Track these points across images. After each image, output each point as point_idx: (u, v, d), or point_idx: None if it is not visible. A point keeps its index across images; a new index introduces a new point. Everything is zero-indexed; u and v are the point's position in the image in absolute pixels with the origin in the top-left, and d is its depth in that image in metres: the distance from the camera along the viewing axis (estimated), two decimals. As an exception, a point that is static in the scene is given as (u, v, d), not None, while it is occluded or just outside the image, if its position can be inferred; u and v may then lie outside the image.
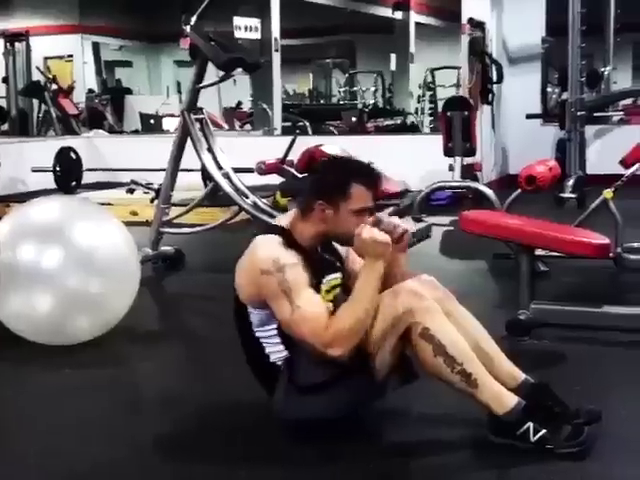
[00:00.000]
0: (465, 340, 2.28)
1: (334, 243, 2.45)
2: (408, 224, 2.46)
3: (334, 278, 2.42)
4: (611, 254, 3.94)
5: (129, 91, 14.34)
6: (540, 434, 2.19)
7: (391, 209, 5.51)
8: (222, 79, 5.00)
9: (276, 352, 2.35)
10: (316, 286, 2.32)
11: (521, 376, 2.36)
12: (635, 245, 4.57)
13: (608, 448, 2.26)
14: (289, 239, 2.32)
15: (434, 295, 2.34)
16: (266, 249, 2.29)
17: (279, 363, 2.34)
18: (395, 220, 2.39)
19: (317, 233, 2.35)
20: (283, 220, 2.41)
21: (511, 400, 2.23)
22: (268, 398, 2.39)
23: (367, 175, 2.37)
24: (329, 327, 2.21)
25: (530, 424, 2.20)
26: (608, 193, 4.26)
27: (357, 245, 2.28)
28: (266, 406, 2.40)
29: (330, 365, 2.24)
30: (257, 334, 2.36)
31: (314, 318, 2.22)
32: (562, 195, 6.83)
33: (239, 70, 4.98)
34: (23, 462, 2.33)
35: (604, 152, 7.95)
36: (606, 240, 3.29)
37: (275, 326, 2.32)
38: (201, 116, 4.80)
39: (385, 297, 2.29)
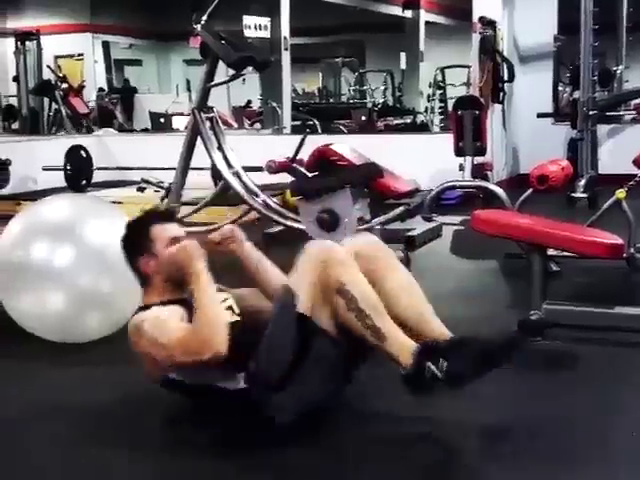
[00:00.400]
0: (399, 299, 2.42)
1: None
2: (229, 226, 2.66)
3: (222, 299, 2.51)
4: (624, 254, 3.91)
5: (135, 90, 14.35)
6: (444, 365, 2.24)
7: (400, 209, 5.48)
8: (233, 78, 5.01)
9: (224, 380, 2.36)
10: None
11: (449, 334, 2.43)
12: (648, 245, 4.54)
13: (621, 450, 2.25)
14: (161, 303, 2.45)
15: (373, 253, 2.49)
16: (143, 319, 2.41)
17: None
18: (220, 231, 2.61)
19: (164, 285, 2.49)
20: (150, 299, 2.53)
21: (413, 346, 2.30)
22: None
23: (157, 214, 2.62)
24: (190, 335, 2.28)
25: (429, 363, 2.25)
26: (621, 193, 4.23)
27: (172, 264, 2.44)
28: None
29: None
30: (194, 382, 2.41)
31: (174, 337, 2.30)
32: (574, 195, 6.81)
33: (249, 69, 4.98)
34: (26, 461, 2.33)
35: (616, 152, 7.92)
36: (619, 240, 3.27)
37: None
38: (211, 114, 4.81)
39: (299, 265, 2.42)
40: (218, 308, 2.35)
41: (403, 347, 2.30)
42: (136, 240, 2.54)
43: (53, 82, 11.00)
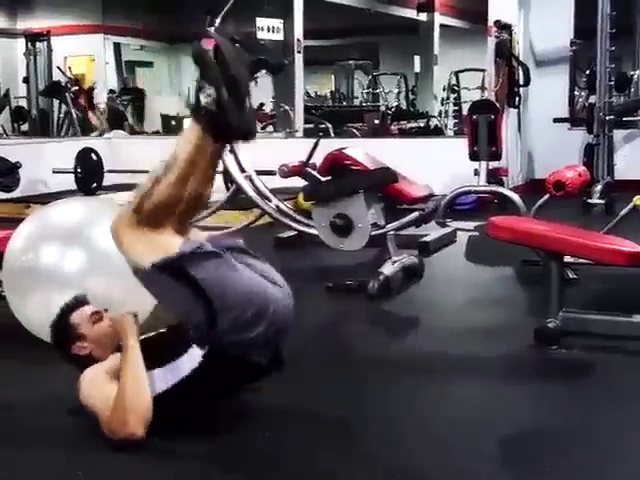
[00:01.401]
0: None
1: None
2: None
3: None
4: (642, 262, 3.88)
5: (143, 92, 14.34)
6: None
7: (414, 214, 5.47)
8: (246, 80, 4.99)
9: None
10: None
11: None
12: (666, 253, 4.50)
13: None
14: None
15: None
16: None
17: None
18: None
19: (106, 354, 2.54)
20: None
21: None
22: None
23: (70, 305, 2.66)
24: (110, 415, 2.33)
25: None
26: (638, 199, 4.21)
27: (111, 331, 2.54)
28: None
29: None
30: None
31: (102, 416, 2.36)
32: (590, 201, 6.78)
33: (263, 71, 4.97)
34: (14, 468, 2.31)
35: (633, 157, 7.90)
36: (637, 248, 3.25)
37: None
38: (224, 118, 4.80)
39: None
40: (140, 389, 2.36)
41: None
42: (63, 335, 2.61)
43: (63, 84, 11.03)
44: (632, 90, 8.94)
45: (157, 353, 2.46)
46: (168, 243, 2.27)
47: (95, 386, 2.43)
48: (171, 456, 2.31)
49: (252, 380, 2.50)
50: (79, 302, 2.70)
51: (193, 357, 2.40)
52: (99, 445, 2.36)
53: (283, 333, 2.40)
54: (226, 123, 2.23)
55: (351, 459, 2.27)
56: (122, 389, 2.35)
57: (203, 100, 2.23)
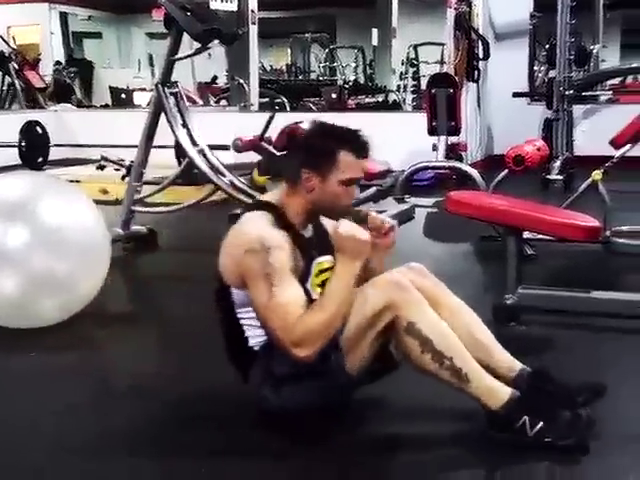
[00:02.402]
0: (457, 331, 2.24)
1: (325, 225, 2.40)
2: (394, 220, 2.42)
3: (325, 261, 2.34)
4: (600, 238, 3.94)
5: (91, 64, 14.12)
6: (537, 427, 2.15)
7: (372, 190, 5.47)
8: (198, 51, 4.93)
9: (255, 336, 2.30)
10: (306, 268, 2.27)
11: (518, 366, 2.33)
12: (624, 229, 4.58)
13: (603, 440, 2.25)
14: (279, 217, 2.25)
15: (421, 284, 2.30)
16: (254, 227, 2.22)
17: (256, 348, 2.30)
18: (382, 216, 2.36)
19: (305, 206, 2.28)
20: (271, 196, 2.35)
21: (505, 393, 2.19)
22: (243, 385, 2.36)
23: (356, 143, 2.29)
24: (298, 325, 2.12)
25: (526, 417, 2.15)
26: (597, 175, 4.27)
27: (335, 240, 2.21)
28: (240, 394, 2.37)
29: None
30: (238, 315, 2.30)
31: (288, 312, 2.13)
32: (549, 177, 6.83)
33: (215, 42, 4.92)
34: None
35: (592, 133, 7.96)
36: (596, 223, 3.29)
37: None
38: (176, 90, 4.74)
39: (363, 290, 2.22)
40: (340, 318, 2.16)
41: (490, 390, 2.18)
42: (321, 153, 2.26)
43: (7, 54, 10.80)
44: (592, 65, 9.01)
45: None
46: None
47: (273, 268, 2.14)
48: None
49: None
50: (359, 150, 2.29)
51: None
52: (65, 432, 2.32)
53: None
54: None
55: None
56: (329, 308, 2.13)
57: None
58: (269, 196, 2.38)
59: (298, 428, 2.30)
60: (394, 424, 2.40)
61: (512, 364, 2.34)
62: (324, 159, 2.25)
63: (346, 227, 2.19)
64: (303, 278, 2.25)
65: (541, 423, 2.15)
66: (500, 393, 2.19)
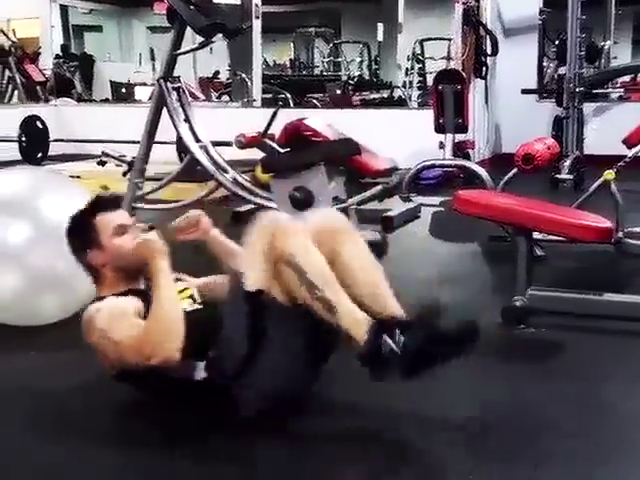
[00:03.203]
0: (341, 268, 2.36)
1: None
2: (196, 212, 2.69)
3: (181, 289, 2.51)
4: (612, 239, 3.92)
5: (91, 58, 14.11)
6: (399, 340, 2.19)
7: (377, 188, 5.45)
8: (201, 45, 4.92)
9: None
10: None
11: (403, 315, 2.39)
12: (637, 230, 4.56)
13: (604, 446, 2.24)
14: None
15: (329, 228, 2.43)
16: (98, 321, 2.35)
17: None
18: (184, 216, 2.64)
19: (116, 276, 2.47)
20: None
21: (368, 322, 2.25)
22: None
23: (101, 202, 2.55)
24: (142, 340, 2.24)
25: (385, 335, 2.20)
26: (609, 174, 4.24)
27: (135, 255, 2.40)
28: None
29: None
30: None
31: (130, 341, 2.26)
32: (558, 176, 6.81)
33: (219, 36, 4.91)
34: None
35: (603, 131, 7.95)
36: (608, 224, 3.27)
37: None
38: (178, 85, 4.73)
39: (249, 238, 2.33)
40: (175, 311, 2.29)
41: (357, 322, 2.24)
42: (81, 233, 2.51)
43: (7, 48, 10.80)
44: (603, 61, 9.00)
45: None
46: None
47: (119, 317, 2.32)
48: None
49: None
50: (113, 202, 2.58)
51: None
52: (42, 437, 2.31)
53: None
54: None
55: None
56: (158, 310, 2.27)
57: None
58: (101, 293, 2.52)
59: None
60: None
61: (398, 311, 2.42)
62: (87, 234, 2.48)
63: (134, 241, 2.43)
64: None
65: (403, 337, 2.19)
66: (364, 321, 2.25)
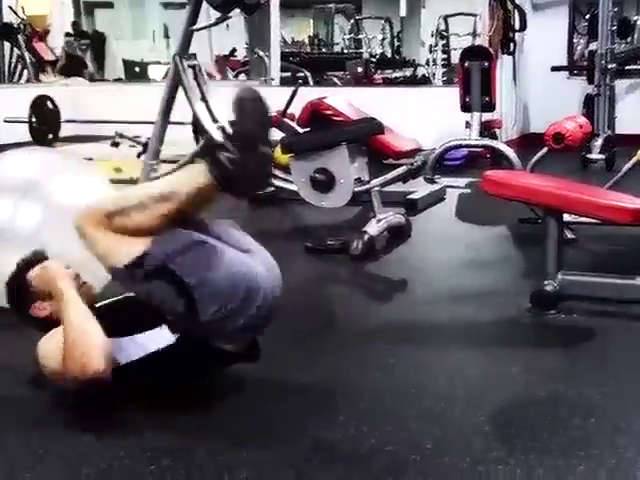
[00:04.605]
0: None
1: None
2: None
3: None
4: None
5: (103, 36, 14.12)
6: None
7: (401, 169, 5.44)
8: (218, 21, 4.90)
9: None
10: None
11: None
12: (672, 211, 4.51)
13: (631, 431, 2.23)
14: None
15: None
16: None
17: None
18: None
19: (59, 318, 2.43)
20: None
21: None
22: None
23: (28, 262, 2.61)
24: (67, 363, 2.28)
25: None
26: (643, 153, 4.21)
27: (37, 284, 2.52)
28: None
29: None
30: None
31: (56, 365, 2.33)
32: (589, 156, 6.78)
33: (236, 12, 4.89)
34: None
35: (635, 109, 7.89)
36: (643, 205, 3.25)
37: None
38: (194, 62, 4.72)
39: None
40: (87, 324, 2.33)
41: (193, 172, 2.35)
42: (20, 295, 2.58)
43: (15, 25, 10.83)
44: (635, 36, 8.91)
45: (123, 320, 2.44)
46: (136, 243, 2.29)
47: (49, 344, 2.39)
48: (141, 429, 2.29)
49: (223, 366, 2.50)
50: (38, 258, 2.64)
51: (164, 334, 2.38)
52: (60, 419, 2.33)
53: (267, 322, 2.41)
54: (240, 181, 2.28)
55: (338, 429, 2.26)
56: (68, 327, 2.33)
57: (222, 156, 2.24)
58: None
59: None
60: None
61: None
62: (24, 289, 2.56)
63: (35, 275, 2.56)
64: None
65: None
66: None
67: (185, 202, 2.29)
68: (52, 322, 2.49)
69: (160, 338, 2.38)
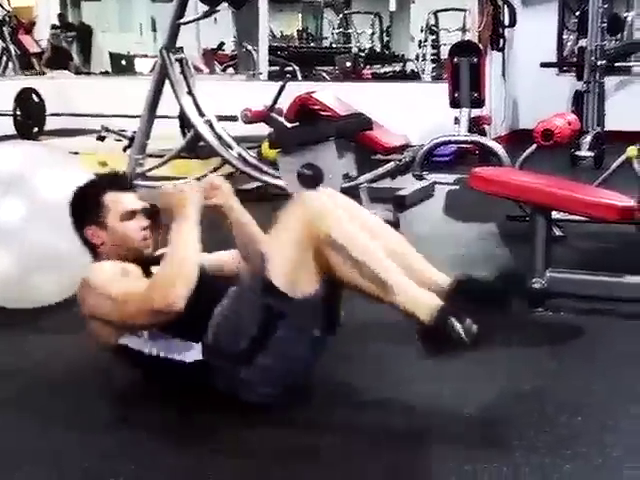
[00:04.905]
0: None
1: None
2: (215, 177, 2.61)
3: None
4: (635, 218, 3.90)
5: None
6: (466, 325, 2.13)
7: (389, 165, 5.45)
8: (206, 14, 4.90)
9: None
10: None
11: (446, 280, 2.35)
12: (660, 209, 4.53)
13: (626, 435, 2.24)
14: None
15: (335, 202, 2.36)
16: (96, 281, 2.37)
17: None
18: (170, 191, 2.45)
19: (116, 257, 2.42)
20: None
21: (432, 301, 2.19)
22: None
23: (112, 179, 2.55)
24: (148, 286, 2.25)
25: (452, 319, 2.14)
26: (632, 150, 4.20)
27: (162, 204, 2.42)
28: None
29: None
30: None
31: (130, 294, 2.27)
32: (578, 153, 6.79)
33: (223, 5, 4.89)
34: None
35: (625, 106, 7.91)
36: (631, 202, 3.26)
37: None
38: (181, 56, 4.72)
39: (281, 222, 2.31)
40: (191, 258, 2.28)
41: (418, 301, 2.19)
42: (86, 207, 2.49)
43: (0, 17, 10.78)
44: (625, 33, 8.94)
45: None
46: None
47: (118, 274, 2.34)
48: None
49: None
50: (123, 182, 2.57)
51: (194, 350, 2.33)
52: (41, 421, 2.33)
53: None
54: None
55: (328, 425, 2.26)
56: (173, 254, 2.27)
57: None
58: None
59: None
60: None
61: (439, 277, 2.38)
62: (93, 211, 2.46)
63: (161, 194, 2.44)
64: None
65: (468, 320, 2.14)
66: (427, 301, 2.20)
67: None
68: (98, 254, 2.47)
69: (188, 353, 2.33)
